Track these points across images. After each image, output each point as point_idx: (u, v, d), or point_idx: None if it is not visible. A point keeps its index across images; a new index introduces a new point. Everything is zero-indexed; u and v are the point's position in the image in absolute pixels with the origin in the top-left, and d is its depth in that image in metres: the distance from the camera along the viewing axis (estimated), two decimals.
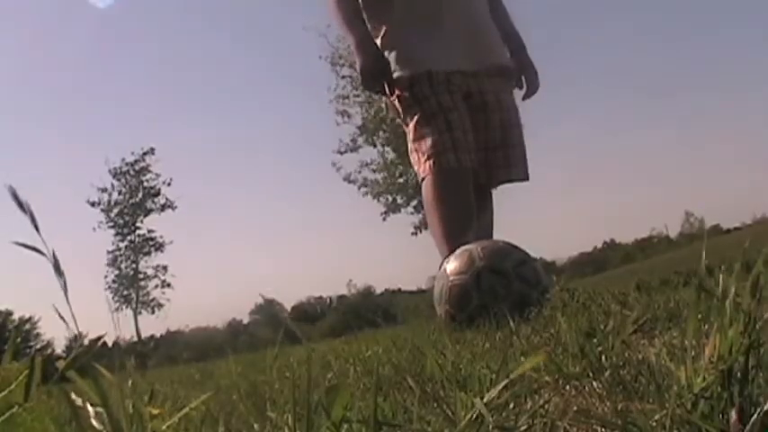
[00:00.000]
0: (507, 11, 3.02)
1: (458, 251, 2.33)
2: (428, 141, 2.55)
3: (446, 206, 2.51)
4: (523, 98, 2.87)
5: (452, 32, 2.64)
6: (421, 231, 21.66)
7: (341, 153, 21.52)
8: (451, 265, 2.30)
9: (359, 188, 21.42)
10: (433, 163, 2.52)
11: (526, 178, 2.80)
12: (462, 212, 2.52)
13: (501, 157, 2.71)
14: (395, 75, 2.66)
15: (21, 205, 0.72)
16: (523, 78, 2.88)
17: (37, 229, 0.72)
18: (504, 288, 2.17)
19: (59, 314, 0.71)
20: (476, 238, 2.44)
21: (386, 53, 2.67)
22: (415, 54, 2.62)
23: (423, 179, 2.57)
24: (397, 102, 2.67)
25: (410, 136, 2.64)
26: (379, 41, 2.69)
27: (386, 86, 2.67)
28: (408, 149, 2.67)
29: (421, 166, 2.58)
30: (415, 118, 2.61)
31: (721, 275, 0.73)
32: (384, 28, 2.70)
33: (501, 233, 2.46)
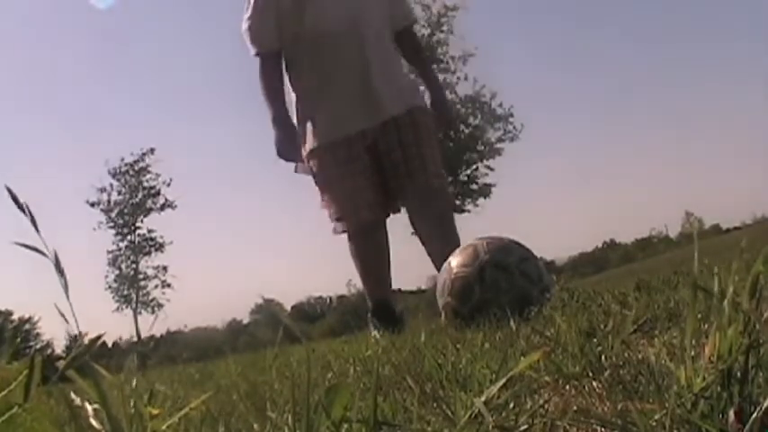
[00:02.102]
0: (419, 43, 3.49)
1: (463, 245, 2.37)
2: (334, 206, 2.98)
3: (359, 260, 3.01)
4: (440, 129, 3.21)
5: (353, 96, 2.95)
6: None
7: None
8: (456, 258, 2.33)
9: None
10: (341, 224, 2.96)
11: (436, 185, 3.02)
12: (375, 262, 3.02)
13: (419, 172, 2.97)
14: (305, 146, 3.03)
15: (20, 206, 0.72)
16: (440, 113, 3.20)
17: (37, 229, 0.72)
18: (506, 282, 2.20)
19: (60, 312, 0.71)
20: (427, 233, 2.95)
21: (298, 124, 3.06)
22: (319, 126, 2.98)
23: (334, 230, 3.02)
24: (309, 167, 3.06)
25: (320, 197, 3.06)
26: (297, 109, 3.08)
27: (298, 155, 3.05)
28: (321, 197, 3.07)
29: (332, 221, 3.01)
30: (323, 183, 3.02)
31: (719, 275, 0.73)
32: (297, 98, 3.09)
33: (501, 232, 2.49)
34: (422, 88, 3.38)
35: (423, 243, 3.01)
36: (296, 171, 3.15)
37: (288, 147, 2.99)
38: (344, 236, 3.05)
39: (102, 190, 26.30)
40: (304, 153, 3.06)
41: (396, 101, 3.00)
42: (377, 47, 3.03)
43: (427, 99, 3.28)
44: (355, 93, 2.95)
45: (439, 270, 2.66)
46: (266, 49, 3.07)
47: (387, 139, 2.97)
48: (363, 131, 2.96)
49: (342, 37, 2.96)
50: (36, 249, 0.70)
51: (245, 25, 3.09)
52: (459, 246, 2.57)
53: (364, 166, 2.96)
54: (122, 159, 26.65)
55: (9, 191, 0.71)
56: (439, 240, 2.88)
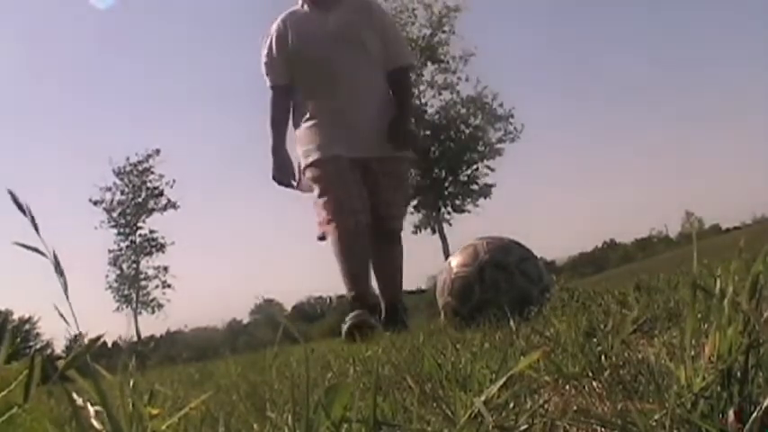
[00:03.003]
0: (410, 80, 3.93)
1: (463, 246, 2.37)
2: (329, 207, 3.29)
3: (345, 259, 3.26)
4: (398, 149, 3.52)
5: (346, 128, 3.37)
6: (421, 231, 21.69)
7: None
8: (456, 258, 2.33)
9: None
10: (335, 225, 3.26)
11: (393, 227, 3.54)
12: (357, 263, 3.29)
13: (376, 210, 3.39)
14: (305, 160, 3.42)
15: (20, 207, 0.72)
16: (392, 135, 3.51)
17: (37, 230, 0.72)
18: (506, 282, 2.20)
19: (60, 313, 0.71)
20: (377, 266, 3.39)
21: (302, 142, 3.48)
22: (317, 144, 3.39)
23: (322, 235, 3.34)
24: (307, 176, 3.42)
25: (315, 199, 3.37)
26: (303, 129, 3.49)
27: (291, 183, 3.51)
28: (315, 202, 3.39)
29: (322, 225, 3.32)
30: (320, 187, 3.34)
31: (719, 275, 0.73)
32: (304, 120, 3.49)
33: (502, 232, 2.49)
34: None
35: (374, 272, 3.44)
36: (297, 188, 3.53)
37: (281, 173, 3.49)
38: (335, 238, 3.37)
39: (108, 189, 26.32)
40: (303, 166, 3.47)
41: (379, 145, 3.41)
42: (367, 89, 3.45)
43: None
44: (345, 128, 3.37)
45: (383, 294, 3.41)
46: (277, 83, 3.55)
47: (368, 173, 3.40)
48: (352, 158, 3.36)
49: (336, 79, 3.40)
50: (36, 250, 0.70)
51: (262, 60, 3.58)
52: (397, 286, 3.48)
53: (353, 180, 3.34)
54: (127, 159, 26.68)
55: (11, 194, 0.71)
56: (384, 279, 3.47)
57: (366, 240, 3.30)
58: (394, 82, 3.57)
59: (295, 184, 3.51)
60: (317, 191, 3.35)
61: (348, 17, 3.45)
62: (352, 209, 3.26)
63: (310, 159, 3.38)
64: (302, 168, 3.47)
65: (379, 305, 3.42)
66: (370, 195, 3.36)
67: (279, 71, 3.53)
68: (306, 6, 3.52)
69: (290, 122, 3.60)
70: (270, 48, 3.54)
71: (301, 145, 3.49)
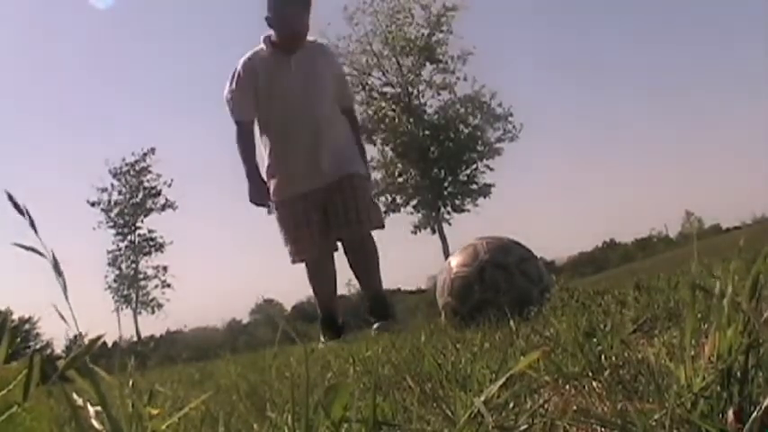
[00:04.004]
0: (356, 120, 4.32)
1: (463, 246, 2.37)
2: (292, 245, 3.83)
3: (313, 283, 3.92)
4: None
5: (307, 163, 3.77)
6: (420, 231, 21.70)
7: None
8: (456, 258, 2.33)
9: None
10: (299, 255, 3.84)
11: (381, 226, 3.92)
12: (324, 286, 3.93)
13: (346, 220, 3.81)
14: (272, 198, 3.88)
15: (18, 208, 0.72)
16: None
17: (35, 231, 0.72)
18: (506, 282, 2.19)
19: (59, 313, 0.71)
20: (357, 268, 3.85)
21: (267, 178, 3.89)
22: (280, 184, 3.83)
23: (292, 262, 3.88)
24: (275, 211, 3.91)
25: (281, 233, 3.89)
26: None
27: (267, 201, 3.88)
28: (282, 235, 3.89)
29: (289, 254, 3.85)
30: (284, 228, 3.87)
31: (719, 275, 0.73)
32: (266, 155, 3.90)
33: (502, 232, 2.49)
34: None
35: (353, 272, 3.91)
36: (269, 213, 3.98)
37: (257, 196, 3.84)
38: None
39: (104, 190, 26.34)
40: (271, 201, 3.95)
41: (339, 169, 3.82)
42: (327, 124, 3.84)
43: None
44: (308, 161, 3.78)
45: (365, 288, 3.86)
46: (243, 119, 3.86)
47: (331, 196, 3.80)
48: (314, 191, 3.79)
49: (299, 110, 3.78)
50: (35, 250, 0.70)
51: (227, 95, 3.85)
52: (377, 280, 3.85)
53: (314, 216, 3.80)
54: (123, 159, 26.70)
55: (9, 196, 0.71)
56: (364, 275, 3.88)
57: (331, 264, 3.89)
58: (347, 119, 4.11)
59: (267, 205, 3.95)
60: (281, 229, 3.89)
61: (311, 60, 3.85)
62: (313, 244, 3.80)
63: (275, 199, 3.88)
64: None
65: (365, 302, 3.91)
66: (338, 210, 3.79)
67: (245, 107, 3.84)
68: (269, 49, 3.83)
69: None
70: (238, 84, 3.82)
71: (267, 179, 3.93)
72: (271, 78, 3.79)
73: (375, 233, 3.90)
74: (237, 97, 3.83)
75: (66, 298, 0.71)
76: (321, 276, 3.90)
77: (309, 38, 3.89)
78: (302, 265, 3.89)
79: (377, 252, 3.91)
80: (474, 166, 21.70)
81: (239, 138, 3.85)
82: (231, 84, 3.83)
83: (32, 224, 0.72)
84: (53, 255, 0.71)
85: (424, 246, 25.10)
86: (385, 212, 21.22)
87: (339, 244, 3.87)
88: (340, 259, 3.92)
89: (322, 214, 3.83)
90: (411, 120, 21.49)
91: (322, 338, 3.80)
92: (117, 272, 26.45)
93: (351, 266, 3.88)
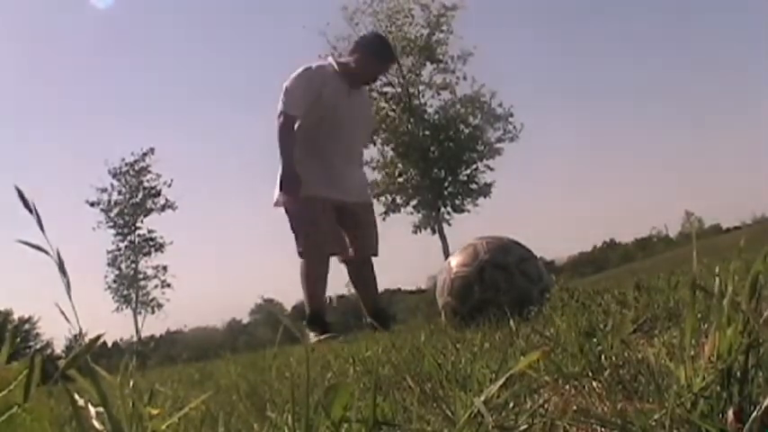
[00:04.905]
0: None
1: (463, 246, 2.37)
2: (305, 233, 4.08)
3: (310, 279, 4.09)
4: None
5: (335, 176, 4.13)
6: (421, 231, 21.68)
7: None
8: (456, 258, 2.33)
9: None
10: (307, 256, 4.07)
11: (376, 254, 4.39)
12: (318, 285, 4.11)
13: (361, 242, 4.31)
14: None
15: (27, 205, 0.72)
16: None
17: (42, 228, 0.72)
18: (506, 282, 2.19)
19: (62, 311, 0.71)
20: (359, 286, 4.33)
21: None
22: (310, 183, 4.08)
23: (300, 254, 4.10)
24: (291, 204, 4.16)
25: (294, 226, 4.16)
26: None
27: (296, 192, 4.10)
28: (294, 228, 4.18)
29: (300, 246, 4.09)
30: (300, 221, 4.12)
31: (719, 275, 0.73)
32: (299, 154, 4.17)
33: (502, 232, 2.49)
34: None
35: (355, 286, 4.39)
36: (275, 205, 4.23)
37: (291, 184, 4.05)
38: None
39: (104, 190, 26.32)
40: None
41: (359, 195, 4.33)
42: (357, 155, 4.46)
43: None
44: (335, 175, 4.14)
45: (367, 302, 4.23)
46: (292, 113, 4.10)
47: (348, 214, 4.21)
48: (333, 200, 4.13)
49: (342, 135, 4.19)
50: (39, 248, 0.70)
51: (289, 85, 4.13)
52: (377, 295, 4.38)
53: (330, 220, 4.13)
54: (123, 159, 26.68)
55: (18, 191, 0.71)
56: (365, 291, 4.33)
57: (327, 267, 4.16)
58: None
59: (289, 197, 4.19)
60: (295, 222, 4.14)
61: (362, 100, 4.43)
62: (325, 242, 4.10)
63: (302, 194, 4.12)
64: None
65: (365, 311, 4.28)
66: (353, 230, 4.24)
67: (299, 104, 4.10)
68: (337, 71, 4.25)
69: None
70: (305, 81, 4.13)
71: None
72: (334, 96, 4.17)
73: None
74: (298, 92, 4.11)
75: (70, 296, 0.71)
76: (319, 275, 4.11)
77: None
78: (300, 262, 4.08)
79: (375, 273, 4.40)
80: (474, 166, 21.68)
81: (284, 128, 4.08)
82: (298, 79, 4.14)
83: (39, 221, 0.72)
84: (58, 253, 0.71)
85: (424, 246, 25.10)
86: (385, 212, 21.25)
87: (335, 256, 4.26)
88: (335, 267, 4.25)
89: (335, 220, 4.17)
90: (411, 120, 21.47)
91: (312, 335, 3.95)
92: (117, 272, 26.44)
93: (355, 283, 4.36)
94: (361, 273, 4.33)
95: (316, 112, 4.13)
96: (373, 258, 4.44)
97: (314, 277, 4.10)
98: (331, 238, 4.14)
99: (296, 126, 4.13)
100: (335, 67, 4.28)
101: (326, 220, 4.11)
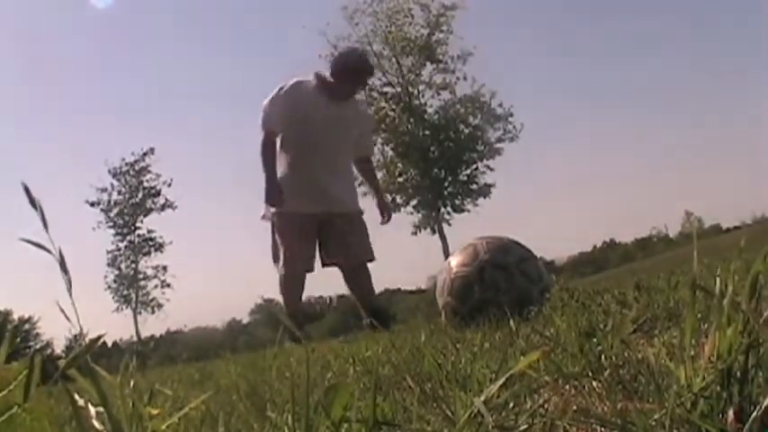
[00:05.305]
0: (373, 166, 5.23)
1: (463, 246, 2.37)
2: (284, 251, 4.30)
3: (286, 291, 4.40)
4: (382, 223, 4.77)
5: (317, 190, 4.31)
6: (420, 231, 21.67)
7: None
8: (456, 258, 2.32)
9: (358, 186, 21.40)
10: (286, 265, 4.31)
11: (372, 259, 4.51)
12: (294, 296, 4.42)
13: (351, 250, 4.43)
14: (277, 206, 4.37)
15: (32, 202, 0.72)
16: (381, 212, 4.79)
17: (46, 226, 0.71)
18: (506, 282, 2.19)
19: (62, 310, 0.71)
20: (354, 289, 4.47)
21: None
22: (290, 198, 4.29)
23: (279, 269, 4.34)
24: (275, 219, 4.38)
25: (276, 240, 4.38)
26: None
27: (280, 204, 4.30)
28: (273, 243, 4.42)
29: (279, 261, 4.33)
30: (281, 235, 4.35)
31: (719, 275, 0.73)
32: (281, 168, 4.37)
33: (502, 232, 2.49)
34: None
35: (351, 291, 4.53)
36: (262, 218, 4.44)
37: (273, 197, 4.27)
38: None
39: (104, 190, 26.30)
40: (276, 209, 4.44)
41: (343, 203, 4.42)
42: (340, 161, 4.48)
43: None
44: (317, 189, 4.31)
45: (365, 304, 4.37)
46: (270, 129, 4.32)
47: (332, 223, 4.35)
48: (314, 214, 4.32)
49: (320, 147, 4.33)
50: (42, 246, 0.70)
51: (266, 104, 4.33)
52: (374, 297, 4.55)
53: (311, 236, 4.34)
54: (123, 159, 26.66)
55: (25, 188, 0.71)
56: (360, 293, 4.47)
57: (303, 279, 4.40)
58: (363, 169, 4.87)
59: (272, 210, 4.38)
60: (276, 236, 4.34)
61: (344, 111, 4.42)
62: (300, 257, 4.31)
63: (282, 209, 4.31)
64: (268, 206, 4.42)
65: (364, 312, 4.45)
66: (341, 239, 4.38)
67: (276, 121, 4.31)
68: (318, 84, 4.36)
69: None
70: (280, 99, 4.31)
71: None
72: (310, 109, 4.31)
73: (373, 234, 4.48)
74: (274, 110, 4.31)
75: (71, 294, 0.71)
76: (294, 288, 4.41)
77: None
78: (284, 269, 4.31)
79: (370, 275, 4.55)
80: (474, 166, 21.67)
81: (264, 145, 4.31)
82: (274, 97, 4.34)
83: (44, 220, 0.72)
84: (60, 252, 0.71)
85: (424, 246, 25.05)
86: None
87: (322, 265, 4.45)
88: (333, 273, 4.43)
89: (316, 237, 4.38)
90: (411, 120, 21.46)
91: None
92: (117, 272, 26.40)
93: (350, 287, 4.50)
94: (354, 276, 4.48)
95: (294, 127, 4.30)
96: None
97: (288, 291, 4.39)
98: (304, 258, 4.35)
99: (278, 141, 4.34)
100: (314, 80, 4.41)
101: (303, 239, 4.32)
